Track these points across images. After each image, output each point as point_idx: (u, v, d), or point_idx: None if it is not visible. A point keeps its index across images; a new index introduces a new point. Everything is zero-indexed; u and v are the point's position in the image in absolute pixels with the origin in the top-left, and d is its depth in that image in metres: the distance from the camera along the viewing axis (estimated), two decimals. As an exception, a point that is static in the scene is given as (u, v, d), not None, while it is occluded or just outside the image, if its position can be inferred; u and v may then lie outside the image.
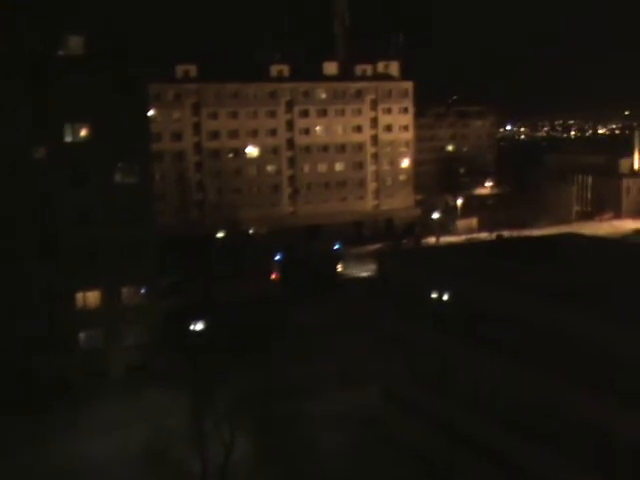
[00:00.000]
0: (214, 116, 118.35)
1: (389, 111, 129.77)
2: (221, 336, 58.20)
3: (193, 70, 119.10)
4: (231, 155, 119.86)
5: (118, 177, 61.88)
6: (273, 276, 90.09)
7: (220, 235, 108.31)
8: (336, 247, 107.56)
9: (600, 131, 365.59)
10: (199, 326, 65.62)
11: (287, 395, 54.42)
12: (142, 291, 63.17)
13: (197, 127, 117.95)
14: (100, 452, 48.06)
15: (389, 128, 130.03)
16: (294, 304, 75.76)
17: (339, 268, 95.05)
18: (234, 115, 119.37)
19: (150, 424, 46.37)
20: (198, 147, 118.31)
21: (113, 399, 56.51)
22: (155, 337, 62.50)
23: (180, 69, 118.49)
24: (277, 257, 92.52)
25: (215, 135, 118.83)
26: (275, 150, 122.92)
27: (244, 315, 67.81)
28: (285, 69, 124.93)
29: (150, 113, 76.07)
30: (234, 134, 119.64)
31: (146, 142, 63.58)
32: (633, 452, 31.41)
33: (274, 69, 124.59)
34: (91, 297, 61.36)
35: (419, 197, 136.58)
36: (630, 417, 31.44)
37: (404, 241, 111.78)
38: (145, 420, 49.52)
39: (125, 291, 62.59)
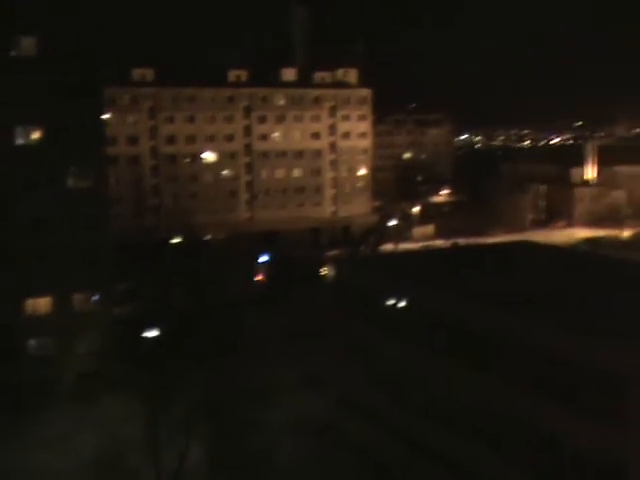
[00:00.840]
0: (171, 120, 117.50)
1: (347, 118, 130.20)
2: (180, 342, 57.67)
3: (150, 74, 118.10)
4: (188, 160, 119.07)
5: (72, 181, 60.96)
6: (259, 277, 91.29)
7: (176, 241, 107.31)
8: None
9: (553, 141, 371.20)
10: (154, 332, 64.92)
11: (245, 401, 54.02)
12: (95, 297, 62.23)
13: (153, 131, 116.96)
14: (50, 461, 47.16)
15: (347, 135, 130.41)
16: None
17: (324, 271, 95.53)
18: (191, 120, 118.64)
19: (103, 432, 45.65)
20: (154, 152, 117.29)
21: (64, 407, 55.51)
22: (108, 344, 61.57)
23: (136, 72, 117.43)
24: (263, 259, 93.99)
25: (172, 140, 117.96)
26: (232, 155, 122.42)
27: (207, 319, 67.36)
28: (243, 74, 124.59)
29: (106, 116, 75.16)
30: (191, 139, 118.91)
31: (101, 146, 62.82)
32: (582, 461, 31.74)
33: (232, 74, 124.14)
34: (42, 303, 60.25)
35: (377, 204, 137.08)
36: (581, 426, 31.75)
37: (361, 248, 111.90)
38: (97, 428, 48.73)
39: (77, 297, 61.60)
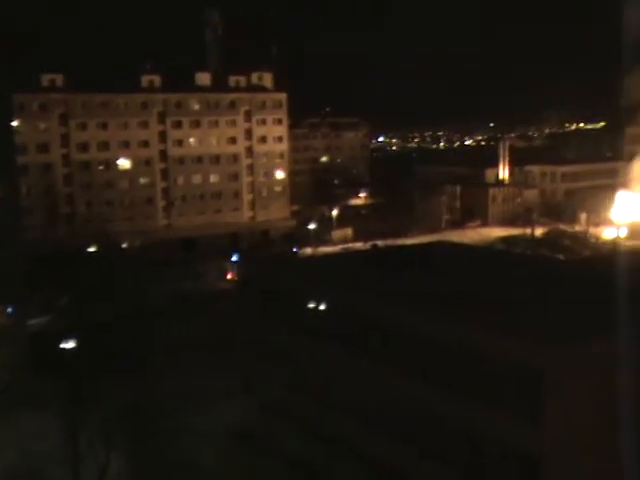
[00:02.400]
0: (83, 127, 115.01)
1: (263, 122, 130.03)
2: (99, 353, 56.45)
3: (59, 79, 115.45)
4: (102, 167, 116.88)
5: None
6: (229, 276, 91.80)
7: (92, 250, 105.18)
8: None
9: (467, 142, 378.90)
10: (71, 344, 63.23)
11: (167, 410, 53.24)
12: (9, 310, 60.46)
13: (65, 138, 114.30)
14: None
15: (264, 139, 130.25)
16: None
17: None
18: (104, 126, 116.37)
19: (17, 447, 44.31)
20: (67, 159, 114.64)
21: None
22: (23, 356, 59.87)
23: (46, 78, 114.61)
24: (234, 258, 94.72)
25: (85, 147, 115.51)
26: (148, 162, 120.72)
27: (127, 330, 66.15)
28: (156, 79, 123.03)
29: (15, 124, 73.12)
30: (105, 146, 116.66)
31: (11, 154, 61.08)
32: (500, 454, 32.44)
33: (145, 79, 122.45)
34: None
35: (295, 208, 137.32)
36: (497, 420, 32.42)
37: (281, 252, 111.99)
38: (12, 443, 47.23)
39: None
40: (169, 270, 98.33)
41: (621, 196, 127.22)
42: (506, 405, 31.91)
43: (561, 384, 30.03)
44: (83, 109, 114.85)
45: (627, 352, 30.50)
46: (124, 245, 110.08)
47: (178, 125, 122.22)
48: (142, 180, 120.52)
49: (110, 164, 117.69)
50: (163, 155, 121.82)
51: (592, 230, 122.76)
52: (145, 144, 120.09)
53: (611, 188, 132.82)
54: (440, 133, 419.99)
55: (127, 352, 61.81)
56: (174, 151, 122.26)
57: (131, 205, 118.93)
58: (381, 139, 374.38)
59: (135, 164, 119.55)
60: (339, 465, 41.72)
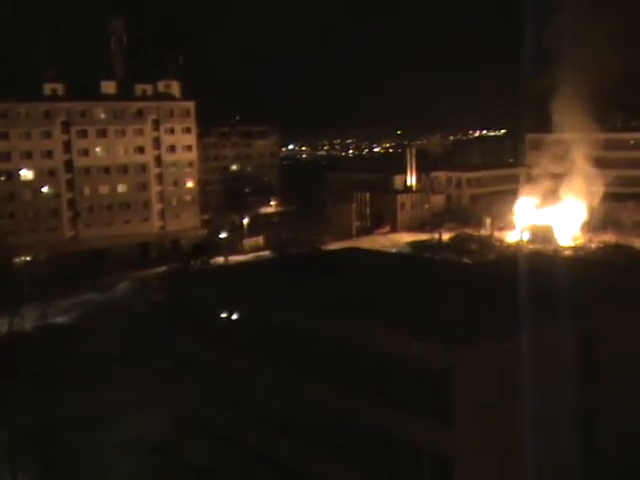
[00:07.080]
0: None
1: (172, 131, 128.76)
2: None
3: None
4: (3, 178, 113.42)
5: None
6: None
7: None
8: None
9: (376, 149, 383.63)
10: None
11: (77, 425, 52.02)
12: None
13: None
14: None
15: (172, 148, 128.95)
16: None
17: None
18: (5, 136, 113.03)
19: None
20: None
21: None
22: None
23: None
24: None
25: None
26: (52, 172, 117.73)
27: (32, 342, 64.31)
28: (60, 88, 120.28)
29: None
30: (5, 156, 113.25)
31: None
32: (413, 453, 32.95)
33: (48, 87, 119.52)
34: None
35: (206, 217, 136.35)
36: (410, 422, 32.92)
37: (192, 262, 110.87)
38: None
39: None
40: (76, 283, 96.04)
41: (523, 201, 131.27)
42: (419, 407, 32.41)
43: (468, 384, 30.72)
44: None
45: (530, 349, 31.54)
46: (28, 258, 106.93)
47: (83, 134, 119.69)
48: (46, 191, 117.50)
49: (12, 175, 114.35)
50: (69, 165, 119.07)
51: (497, 234, 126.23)
52: (49, 154, 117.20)
53: (514, 193, 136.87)
54: (349, 141, 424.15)
55: (29, 368, 59.92)
56: (80, 161, 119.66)
57: (35, 217, 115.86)
58: (291, 147, 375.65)
59: (39, 175, 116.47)
60: (251, 475, 41.55)
